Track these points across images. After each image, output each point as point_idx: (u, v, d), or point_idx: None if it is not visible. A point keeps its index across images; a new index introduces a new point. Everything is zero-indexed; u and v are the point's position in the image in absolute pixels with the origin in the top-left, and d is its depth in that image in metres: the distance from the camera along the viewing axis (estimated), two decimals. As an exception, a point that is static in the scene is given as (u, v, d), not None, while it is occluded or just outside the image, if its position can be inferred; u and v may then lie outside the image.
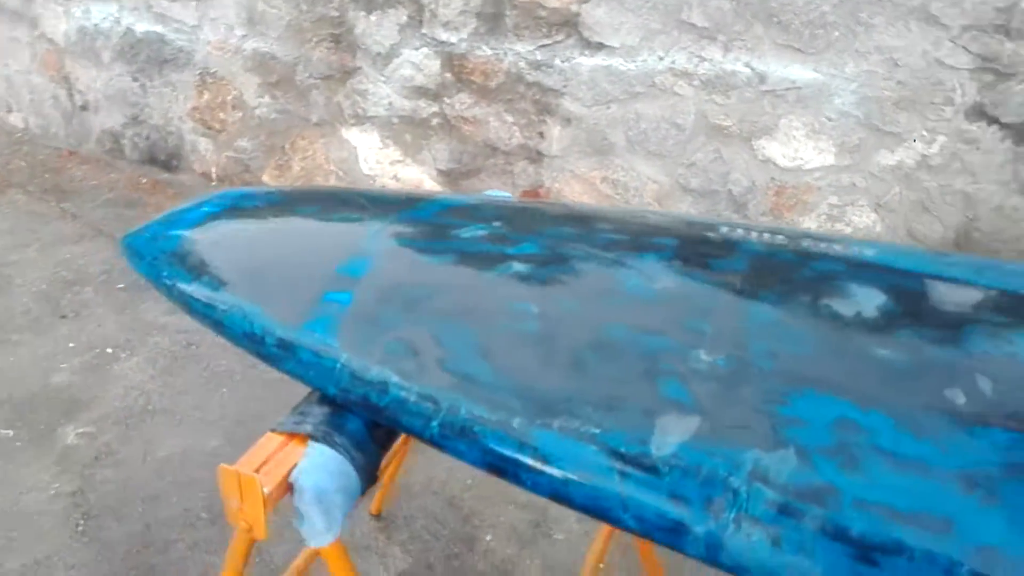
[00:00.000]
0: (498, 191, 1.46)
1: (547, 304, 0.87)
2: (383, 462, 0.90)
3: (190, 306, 0.95)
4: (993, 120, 2.57)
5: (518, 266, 0.92)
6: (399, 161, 3.23)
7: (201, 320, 0.95)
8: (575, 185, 3.01)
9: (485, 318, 0.86)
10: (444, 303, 0.89)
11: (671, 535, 0.69)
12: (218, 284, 0.93)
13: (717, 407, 0.74)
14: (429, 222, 1.03)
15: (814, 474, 0.68)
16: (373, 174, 3.28)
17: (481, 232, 0.99)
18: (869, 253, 0.96)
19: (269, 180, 3.57)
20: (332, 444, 0.83)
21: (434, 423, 0.79)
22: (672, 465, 0.71)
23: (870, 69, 2.60)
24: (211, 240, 1.01)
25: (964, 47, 2.49)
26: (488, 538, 1.81)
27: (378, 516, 1.84)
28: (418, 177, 3.17)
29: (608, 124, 2.90)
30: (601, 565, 1.42)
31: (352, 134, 3.28)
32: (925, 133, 2.62)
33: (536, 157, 3.03)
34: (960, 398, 0.72)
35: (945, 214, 2.67)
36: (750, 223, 1.07)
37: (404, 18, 3.06)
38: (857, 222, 2.75)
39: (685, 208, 2.91)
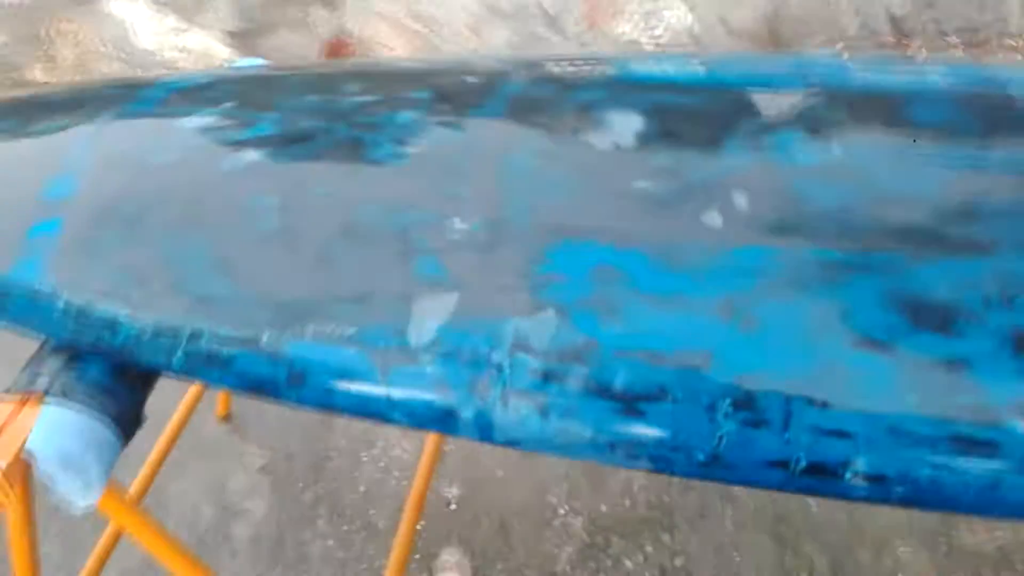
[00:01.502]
0: (251, 59, 1.30)
1: (289, 194, 0.77)
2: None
3: None
4: None
5: (253, 153, 0.80)
6: (180, 29, 2.89)
7: None
8: (382, 27, 2.79)
9: (219, 223, 0.76)
10: (169, 213, 0.77)
11: (443, 424, 0.65)
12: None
13: (475, 279, 0.68)
14: (149, 115, 0.89)
15: (574, 331, 0.64)
16: (153, 49, 2.93)
17: (210, 118, 0.86)
18: (638, 69, 0.90)
19: (43, 76, 3.14)
20: (73, 398, 0.73)
21: (177, 356, 0.71)
22: (434, 352, 0.65)
23: None
24: None
25: None
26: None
27: (226, 417, 1.77)
28: (205, 44, 2.85)
29: (403, -47, 2.66)
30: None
31: (118, 5, 2.88)
32: (725, -85, 2.54)
33: (334, 2, 2.77)
34: (716, 220, 0.69)
35: (758, 1, 2.64)
36: (519, 56, 0.98)
37: None
38: (673, 22, 2.69)
39: (503, 35, 2.76)
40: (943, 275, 0.64)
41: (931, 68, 0.89)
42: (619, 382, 0.61)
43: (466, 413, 0.64)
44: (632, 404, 0.61)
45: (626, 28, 2.71)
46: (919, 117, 0.79)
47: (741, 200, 0.70)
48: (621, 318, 0.64)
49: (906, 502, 0.58)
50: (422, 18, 2.78)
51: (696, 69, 0.89)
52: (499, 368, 0.64)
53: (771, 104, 0.82)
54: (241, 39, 2.84)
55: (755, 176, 0.73)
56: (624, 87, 0.86)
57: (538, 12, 2.68)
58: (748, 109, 0.82)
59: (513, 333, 0.65)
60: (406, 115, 0.84)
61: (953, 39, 2.71)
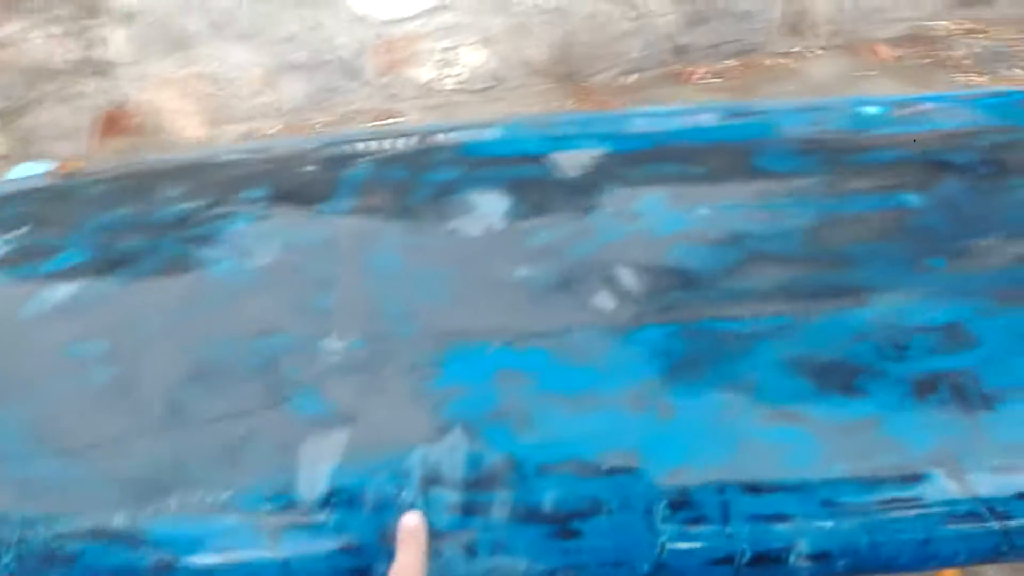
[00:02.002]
0: (33, 165, 1.12)
1: (118, 335, 0.65)
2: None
3: None
4: (564, -70, 2.60)
5: (63, 289, 0.68)
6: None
7: None
8: (165, 92, 2.58)
9: (34, 384, 0.63)
10: (-36, 383, 0.63)
11: (354, 584, 0.57)
12: None
13: (365, 407, 0.61)
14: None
15: (490, 451, 0.58)
16: None
17: (1, 248, 0.72)
18: (486, 138, 0.86)
19: None
20: None
21: (7, 559, 0.57)
22: (331, 503, 0.57)
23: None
24: None
25: None
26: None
27: None
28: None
29: (180, 11, 2.47)
30: None
31: None
32: (508, -44, 2.59)
33: (105, 69, 2.52)
34: (607, 301, 0.66)
35: (545, 33, 2.71)
36: (352, 133, 0.91)
37: None
38: (470, 62, 2.70)
39: (300, 88, 2.64)
40: (833, 331, 0.64)
41: (758, 110, 0.91)
42: (549, 501, 0.56)
43: (381, 568, 0.56)
44: (566, 524, 0.56)
45: (427, 72, 2.69)
46: (768, 166, 0.81)
47: (625, 276, 0.67)
48: (537, 427, 0.59)
49: (847, 573, 0.57)
50: (208, 77, 2.60)
51: (545, 133, 0.87)
52: (412, 509, 0.56)
53: (626, 165, 0.81)
54: (1, 119, 2.52)
55: (632, 248, 0.70)
56: (479, 163, 0.81)
57: (334, 62, 2.60)
58: (606, 172, 0.80)
59: (421, 465, 0.58)
60: (243, 219, 0.74)
61: (730, 62, 2.93)
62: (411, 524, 0.53)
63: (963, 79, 2.84)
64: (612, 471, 0.57)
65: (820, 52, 2.98)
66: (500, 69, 2.73)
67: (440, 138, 0.86)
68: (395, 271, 0.69)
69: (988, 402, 0.60)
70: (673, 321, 0.64)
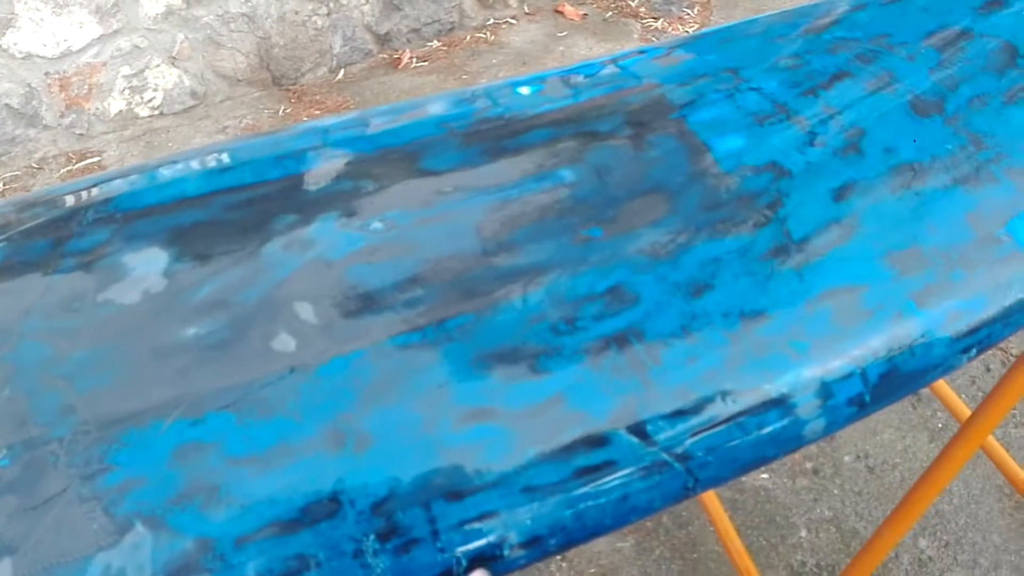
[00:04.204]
0: None
1: None
2: None
3: None
4: (232, -67, 2.47)
5: None
6: None
7: None
8: None
9: None
10: None
11: None
12: None
13: (26, 527, 0.54)
14: None
15: (179, 539, 0.54)
16: None
17: None
18: (137, 187, 0.79)
19: None
20: None
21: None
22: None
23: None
24: None
25: None
26: None
27: None
28: None
29: None
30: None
31: None
32: (176, -33, 2.42)
33: None
34: (288, 343, 0.63)
35: (239, 42, 2.59)
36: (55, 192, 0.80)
37: None
38: (162, 84, 2.51)
39: (-37, 144, 2.32)
40: (510, 320, 0.67)
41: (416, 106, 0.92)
42: (252, 574, 0.53)
43: None
44: (271, 589, 0.53)
45: (116, 103, 2.47)
46: (433, 166, 0.82)
47: (305, 311, 0.65)
48: (226, 498, 0.55)
49: (561, 548, 0.60)
50: None
51: (198, 170, 0.82)
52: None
53: (293, 191, 0.78)
54: None
55: (307, 280, 0.68)
56: (129, 217, 0.75)
57: (7, 112, 2.30)
58: (272, 203, 0.77)
59: (103, 575, 0.52)
60: None
61: (434, 43, 2.97)
62: None
63: (643, 25, 3.09)
64: (314, 521, 0.55)
65: (514, 21, 3.10)
66: (197, 86, 2.57)
67: (84, 196, 0.78)
68: (42, 358, 0.62)
69: (652, 353, 0.65)
70: (357, 348, 0.63)
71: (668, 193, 0.79)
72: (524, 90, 0.93)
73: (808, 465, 1.49)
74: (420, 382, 0.62)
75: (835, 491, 1.46)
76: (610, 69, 0.99)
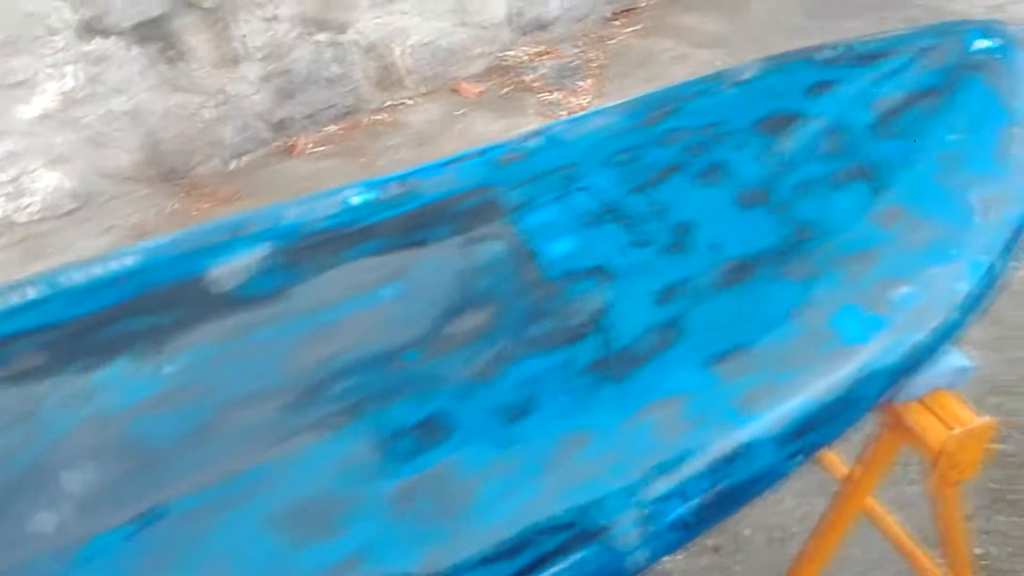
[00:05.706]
0: None
1: None
2: None
3: None
4: (109, 32, 2.43)
5: None
6: None
7: None
8: None
9: None
10: None
11: None
12: None
13: None
14: None
15: None
16: None
17: None
18: None
19: None
20: None
21: None
22: None
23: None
24: None
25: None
26: None
27: None
28: None
29: None
30: None
31: None
32: (50, 70, 2.35)
33: None
34: (49, 523, 0.57)
35: (123, 140, 2.52)
36: None
37: None
38: (42, 187, 2.42)
39: None
40: (312, 468, 0.62)
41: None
42: None
43: None
44: None
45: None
46: (245, 293, 0.77)
47: (72, 481, 0.59)
48: None
49: None
50: None
51: (34, 296, 0.75)
52: None
53: (86, 331, 0.73)
54: None
55: (82, 439, 0.62)
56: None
57: None
58: (63, 343, 0.71)
59: None
60: None
61: (332, 127, 2.95)
62: None
63: (538, 100, 3.14)
64: None
65: (412, 102, 3.11)
66: (80, 187, 2.48)
67: None
68: None
69: (463, 492, 0.61)
70: (129, 520, 0.57)
71: (492, 306, 0.76)
72: (356, 199, 0.90)
73: (709, 543, 1.46)
74: (200, 552, 0.56)
75: (737, 568, 1.43)
76: (449, 170, 0.96)
